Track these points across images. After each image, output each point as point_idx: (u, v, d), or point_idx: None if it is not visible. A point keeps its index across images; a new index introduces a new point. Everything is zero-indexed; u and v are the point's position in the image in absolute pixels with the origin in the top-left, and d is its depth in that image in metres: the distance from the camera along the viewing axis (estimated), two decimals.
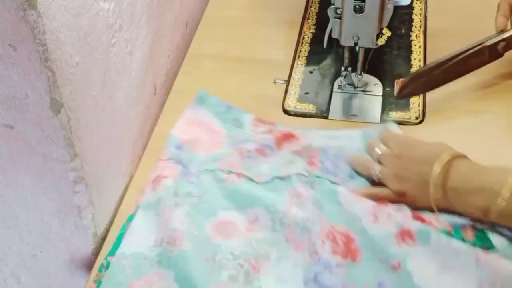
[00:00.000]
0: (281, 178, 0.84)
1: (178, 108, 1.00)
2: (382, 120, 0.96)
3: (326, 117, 0.97)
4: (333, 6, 0.90)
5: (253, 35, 1.12)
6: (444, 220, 0.78)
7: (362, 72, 0.99)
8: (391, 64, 1.04)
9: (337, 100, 0.99)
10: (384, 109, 0.97)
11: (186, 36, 1.14)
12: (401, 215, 0.78)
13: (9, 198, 0.80)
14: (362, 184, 0.85)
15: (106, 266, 0.78)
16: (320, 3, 1.17)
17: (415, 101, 0.98)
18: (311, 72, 1.04)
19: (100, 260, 0.82)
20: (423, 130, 0.94)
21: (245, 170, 0.86)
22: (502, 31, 0.94)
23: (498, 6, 0.97)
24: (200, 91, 0.97)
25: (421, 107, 0.97)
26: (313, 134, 0.91)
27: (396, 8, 0.94)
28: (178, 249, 0.77)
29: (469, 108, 0.96)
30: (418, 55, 1.05)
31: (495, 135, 0.93)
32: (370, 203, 0.80)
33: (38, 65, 0.65)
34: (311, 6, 1.17)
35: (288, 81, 1.03)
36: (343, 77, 1.00)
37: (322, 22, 1.12)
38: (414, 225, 0.76)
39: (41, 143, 0.73)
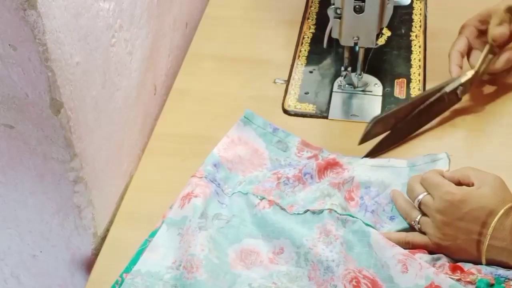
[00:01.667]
0: (313, 212, 0.81)
1: (178, 108, 1.00)
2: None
3: (326, 117, 0.97)
4: (333, 6, 0.90)
5: (253, 35, 1.12)
6: (487, 271, 0.73)
7: (362, 72, 0.99)
8: (391, 64, 1.04)
9: (337, 100, 0.99)
10: (384, 109, 0.97)
11: (186, 36, 1.14)
12: (433, 269, 0.73)
13: (9, 198, 0.80)
14: (402, 226, 0.81)
15: (120, 284, 0.77)
16: (320, 3, 1.17)
17: None
18: (311, 72, 1.04)
19: (101, 259, 0.82)
20: (423, 131, 0.94)
21: (278, 197, 0.84)
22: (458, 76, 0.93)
23: (449, 56, 0.96)
24: (246, 111, 0.94)
25: None
26: (359, 163, 0.88)
27: (396, 8, 0.94)
28: (193, 277, 0.75)
29: (468, 108, 0.96)
30: (418, 55, 1.05)
31: (495, 135, 0.93)
32: (402, 251, 0.75)
33: (38, 65, 0.65)
34: (311, 6, 1.17)
35: (288, 81, 1.03)
36: (343, 77, 1.00)
37: (322, 22, 1.12)
38: (446, 283, 0.71)
39: (41, 143, 0.73)
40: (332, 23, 0.92)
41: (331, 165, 0.88)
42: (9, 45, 0.64)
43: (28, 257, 0.88)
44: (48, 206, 0.80)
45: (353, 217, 0.79)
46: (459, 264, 0.75)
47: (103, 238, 0.85)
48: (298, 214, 0.82)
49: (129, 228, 0.85)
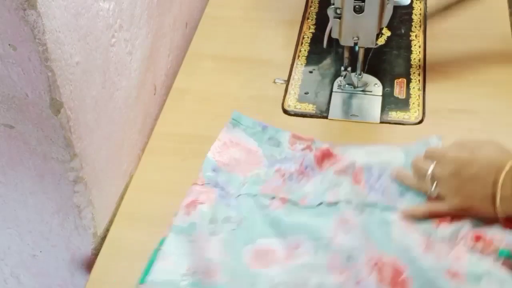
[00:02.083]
0: (328, 204, 0.82)
1: (178, 108, 1.00)
2: (382, 120, 0.96)
3: (326, 117, 0.97)
4: (333, 6, 0.90)
5: (253, 35, 1.12)
6: (509, 240, 0.75)
7: (362, 72, 0.99)
8: (391, 64, 1.04)
9: (337, 100, 0.99)
10: (384, 109, 0.97)
11: (186, 36, 1.14)
12: (453, 252, 0.75)
13: (9, 198, 0.80)
14: (413, 201, 0.82)
15: None
16: (319, 3, 1.17)
17: (415, 101, 0.98)
18: (310, 72, 1.04)
19: (101, 259, 0.82)
20: (423, 130, 0.94)
21: (288, 193, 0.84)
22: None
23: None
24: (234, 112, 0.95)
25: (420, 107, 0.97)
26: (353, 151, 0.89)
27: (396, 8, 0.94)
28: (214, 283, 0.75)
29: (469, 108, 0.96)
30: (418, 55, 1.05)
31: (495, 135, 0.93)
32: (422, 234, 0.77)
33: (38, 65, 0.65)
34: (310, 6, 1.17)
35: (288, 81, 1.03)
36: (343, 77, 1.00)
37: (322, 22, 1.12)
38: (464, 268, 0.74)
39: (41, 143, 0.73)
40: (332, 23, 0.92)
41: (327, 156, 0.88)
42: (9, 45, 0.64)
43: (28, 257, 0.88)
44: (48, 206, 0.80)
45: (369, 204, 0.80)
46: (481, 233, 0.76)
47: (103, 238, 0.85)
48: (312, 207, 0.83)
49: (129, 228, 0.85)
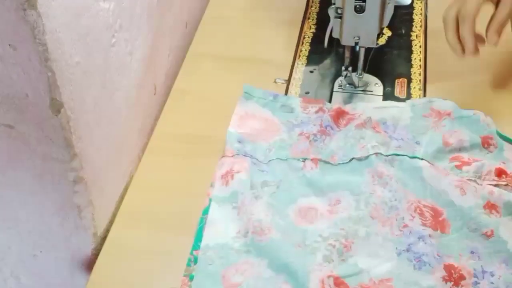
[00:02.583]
0: (359, 159, 0.86)
1: (178, 108, 1.00)
2: None
3: None
4: (333, 6, 0.90)
5: (253, 35, 1.12)
6: None
7: (363, 72, 0.99)
8: (392, 64, 1.04)
9: (337, 99, 0.99)
10: None
11: (186, 36, 1.14)
12: (487, 188, 0.80)
13: (9, 198, 0.80)
14: (428, 148, 0.86)
15: (194, 261, 0.79)
16: (320, 2, 1.17)
17: None
18: (311, 71, 1.04)
19: (101, 259, 0.82)
20: None
21: (318, 154, 0.88)
22: None
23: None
24: (245, 86, 0.98)
25: None
26: (363, 106, 0.94)
27: (397, 8, 0.94)
28: (268, 238, 0.79)
29: (469, 108, 0.96)
30: (419, 55, 1.05)
31: None
32: (455, 177, 0.82)
33: (38, 65, 0.65)
34: (311, 6, 1.17)
35: (288, 81, 1.03)
36: (343, 77, 0.99)
37: (322, 21, 1.12)
38: (500, 199, 0.79)
39: (41, 143, 0.73)
40: (333, 22, 0.92)
41: (341, 114, 0.92)
42: (9, 45, 0.64)
43: (28, 257, 0.88)
44: (48, 206, 0.80)
45: (398, 155, 0.85)
46: (504, 168, 0.82)
47: (103, 238, 0.85)
48: (344, 163, 0.86)
49: (129, 228, 0.85)
